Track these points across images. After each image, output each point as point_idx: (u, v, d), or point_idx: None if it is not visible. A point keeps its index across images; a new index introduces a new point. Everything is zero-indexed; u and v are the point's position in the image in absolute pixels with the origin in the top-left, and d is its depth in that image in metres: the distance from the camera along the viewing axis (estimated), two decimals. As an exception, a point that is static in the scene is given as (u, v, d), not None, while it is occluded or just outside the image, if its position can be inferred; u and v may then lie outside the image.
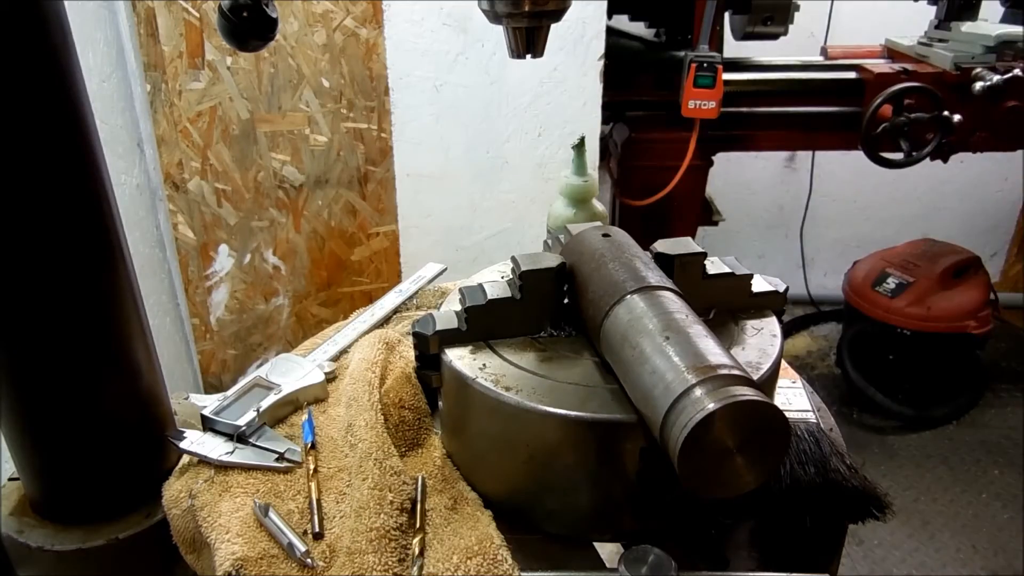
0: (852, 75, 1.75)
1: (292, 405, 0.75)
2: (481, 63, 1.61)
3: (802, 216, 2.78)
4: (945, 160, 1.74)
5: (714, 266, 0.70)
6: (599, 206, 0.95)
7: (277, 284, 1.93)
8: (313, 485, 0.65)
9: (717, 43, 1.68)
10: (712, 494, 0.50)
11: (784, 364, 0.73)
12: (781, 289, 0.72)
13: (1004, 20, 1.79)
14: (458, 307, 0.68)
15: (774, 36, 1.72)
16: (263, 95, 1.73)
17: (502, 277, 0.73)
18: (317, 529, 0.62)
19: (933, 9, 1.79)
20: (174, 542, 0.69)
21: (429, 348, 0.66)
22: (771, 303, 0.71)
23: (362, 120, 1.78)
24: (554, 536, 0.62)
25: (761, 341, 0.66)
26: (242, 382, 0.76)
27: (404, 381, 0.74)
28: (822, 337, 2.70)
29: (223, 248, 1.86)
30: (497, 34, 0.50)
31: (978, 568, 1.80)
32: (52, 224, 0.59)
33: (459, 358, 0.64)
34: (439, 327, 0.66)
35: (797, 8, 1.69)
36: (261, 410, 0.71)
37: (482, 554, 0.59)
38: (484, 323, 0.66)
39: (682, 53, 1.68)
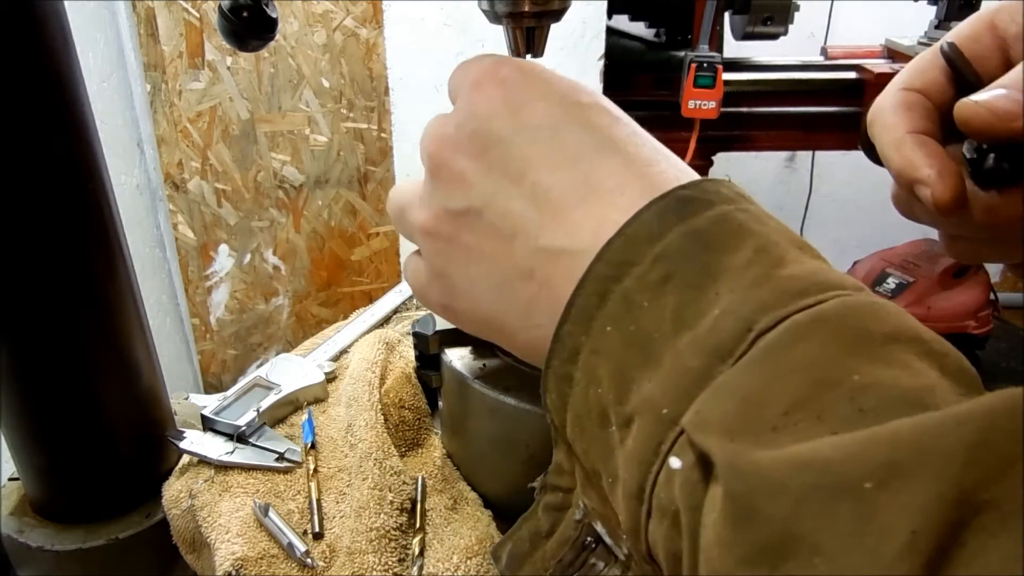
0: (852, 75, 1.75)
1: (292, 405, 0.75)
2: (481, 63, 1.60)
3: (802, 216, 2.78)
4: (945, 160, 1.73)
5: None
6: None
7: (277, 284, 1.93)
8: (313, 485, 0.65)
9: (717, 43, 1.68)
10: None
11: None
12: (781, 289, 0.72)
13: (1004, 20, 1.79)
14: (458, 307, 0.68)
15: (774, 36, 1.71)
16: (263, 95, 1.73)
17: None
18: (317, 529, 0.62)
19: (933, 9, 1.79)
20: (174, 542, 0.69)
21: (429, 348, 0.66)
22: (771, 303, 0.71)
23: (362, 120, 1.78)
24: (554, 536, 0.62)
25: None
26: (242, 382, 0.76)
27: (404, 381, 0.74)
28: (822, 337, 2.70)
29: (223, 248, 1.86)
30: (497, 34, 0.50)
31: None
32: (52, 224, 0.59)
33: (459, 358, 0.64)
34: (439, 327, 0.66)
35: (797, 8, 1.69)
36: (261, 410, 0.71)
37: (482, 554, 0.59)
38: (484, 323, 0.66)
39: (682, 53, 1.68)
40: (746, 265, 0.24)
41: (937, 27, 1.80)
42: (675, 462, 0.22)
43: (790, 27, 1.71)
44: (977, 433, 0.18)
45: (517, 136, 0.31)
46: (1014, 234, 0.33)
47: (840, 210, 2.80)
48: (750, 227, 0.26)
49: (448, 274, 0.33)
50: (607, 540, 0.25)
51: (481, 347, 0.66)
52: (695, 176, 0.31)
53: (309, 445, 0.68)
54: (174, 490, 0.69)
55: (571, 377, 0.27)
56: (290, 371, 0.77)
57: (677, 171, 0.30)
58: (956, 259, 0.38)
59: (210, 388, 1.99)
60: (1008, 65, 0.33)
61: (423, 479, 0.66)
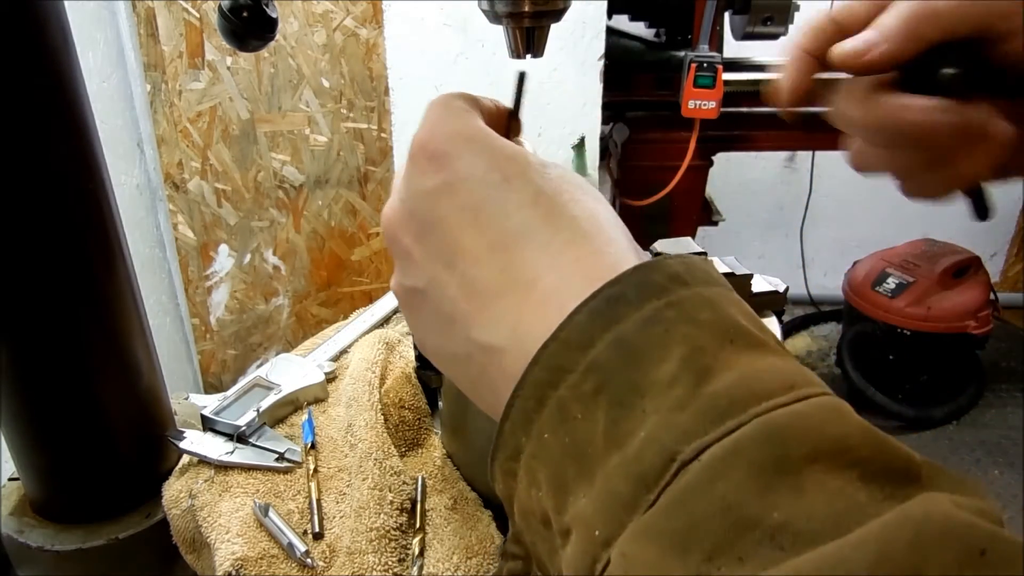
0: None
1: (292, 405, 0.75)
2: (481, 63, 1.61)
3: (802, 216, 2.78)
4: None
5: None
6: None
7: (277, 284, 1.93)
8: (313, 485, 0.65)
9: (717, 43, 1.68)
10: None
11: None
12: (781, 289, 0.72)
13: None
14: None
15: (774, 36, 1.71)
16: (263, 95, 1.73)
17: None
18: (317, 529, 0.62)
19: (933, 9, 1.78)
20: (174, 542, 0.69)
21: (429, 348, 0.66)
22: (771, 303, 0.72)
23: (362, 120, 1.79)
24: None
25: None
26: (242, 382, 0.76)
27: (404, 381, 0.74)
28: (822, 337, 2.70)
29: (223, 248, 1.86)
30: (497, 34, 0.50)
31: (978, 568, 1.79)
32: (52, 224, 0.60)
33: (459, 358, 0.64)
34: (439, 327, 0.66)
35: (797, 8, 1.69)
36: (261, 410, 0.71)
37: (482, 554, 0.59)
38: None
39: (682, 53, 1.68)
40: (671, 382, 0.24)
41: (937, 27, 1.79)
42: None
43: (790, 27, 1.72)
44: (876, 553, 0.19)
45: (448, 218, 0.31)
46: (909, 142, 0.37)
47: (840, 210, 2.80)
48: (678, 330, 0.25)
49: (419, 336, 0.35)
50: None
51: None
52: (620, 251, 0.30)
53: (309, 445, 0.68)
54: (174, 490, 0.69)
55: (515, 473, 0.28)
56: (290, 371, 0.77)
57: (593, 255, 0.29)
58: (855, 168, 0.43)
59: (210, 388, 1.99)
60: None
61: (423, 479, 0.66)
